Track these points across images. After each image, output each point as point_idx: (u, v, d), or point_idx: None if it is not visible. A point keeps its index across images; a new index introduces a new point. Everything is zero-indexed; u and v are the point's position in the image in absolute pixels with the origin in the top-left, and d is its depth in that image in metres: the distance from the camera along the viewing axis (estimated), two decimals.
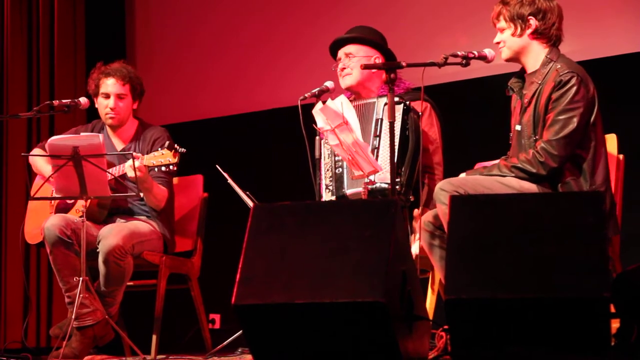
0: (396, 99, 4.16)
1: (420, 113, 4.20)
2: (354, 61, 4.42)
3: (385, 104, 4.11)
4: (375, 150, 4.14)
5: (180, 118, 6.51)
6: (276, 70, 6.30)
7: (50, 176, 4.44)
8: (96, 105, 4.90)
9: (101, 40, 6.74)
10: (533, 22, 3.91)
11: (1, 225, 6.35)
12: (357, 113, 4.22)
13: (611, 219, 3.82)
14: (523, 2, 3.92)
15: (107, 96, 4.82)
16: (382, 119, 4.17)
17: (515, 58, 3.97)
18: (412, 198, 4.14)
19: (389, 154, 3.96)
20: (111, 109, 4.81)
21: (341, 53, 4.47)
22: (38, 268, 6.33)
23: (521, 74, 4.02)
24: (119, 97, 4.82)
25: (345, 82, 4.44)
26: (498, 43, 3.98)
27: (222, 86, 6.54)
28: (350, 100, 4.26)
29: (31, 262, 6.31)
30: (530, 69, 3.94)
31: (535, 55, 3.93)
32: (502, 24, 3.96)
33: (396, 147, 4.05)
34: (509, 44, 3.95)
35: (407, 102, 4.16)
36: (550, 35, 3.92)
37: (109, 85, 4.81)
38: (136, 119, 4.94)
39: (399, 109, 4.15)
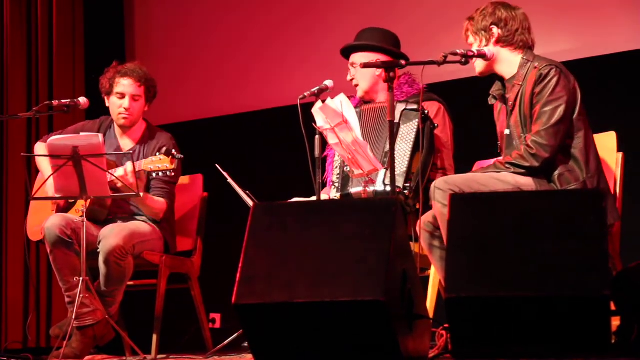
0: (415, 106, 4.20)
1: (436, 125, 4.24)
2: (358, 71, 4.46)
3: (404, 109, 4.18)
4: (388, 153, 4.14)
5: (179, 118, 6.51)
6: (278, 70, 6.29)
7: (49, 176, 4.44)
8: (107, 104, 4.87)
9: (100, 40, 6.74)
10: (495, 30, 3.98)
11: (1, 226, 6.35)
12: (374, 115, 4.28)
13: (608, 206, 3.82)
14: (485, 15, 4.02)
15: (122, 96, 4.80)
16: (398, 124, 4.20)
17: (489, 70, 4.04)
18: (417, 205, 4.14)
19: (403, 159, 4.07)
20: (125, 109, 4.79)
21: (350, 61, 4.52)
22: (38, 268, 6.33)
23: (501, 82, 4.05)
24: (134, 98, 4.80)
25: (358, 93, 4.52)
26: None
27: (222, 86, 6.53)
28: (367, 103, 4.32)
29: (31, 261, 6.30)
30: (507, 75, 4.00)
31: (508, 61, 3.99)
32: (470, 39, 4.06)
33: (410, 149, 4.14)
34: (490, 53, 3.99)
35: (427, 112, 4.19)
36: (515, 41, 3.98)
37: (126, 85, 4.79)
38: (144, 121, 4.93)
39: (417, 117, 4.17)
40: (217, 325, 6.06)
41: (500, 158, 3.98)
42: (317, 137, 4.25)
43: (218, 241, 5.51)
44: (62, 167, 4.28)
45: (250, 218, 3.25)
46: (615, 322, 3.09)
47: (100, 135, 4.37)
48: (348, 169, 4.27)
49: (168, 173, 4.45)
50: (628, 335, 3.07)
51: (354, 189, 4.25)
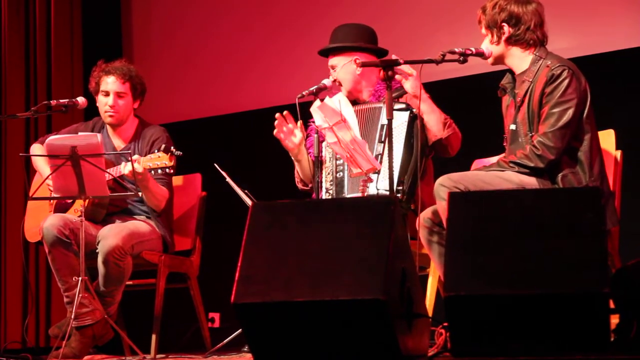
0: (403, 105, 4.17)
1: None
2: (339, 73, 4.41)
3: (392, 110, 4.12)
4: (380, 156, 4.12)
5: (177, 117, 6.50)
6: (276, 69, 6.29)
7: (48, 176, 4.44)
8: (97, 104, 4.89)
9: (98, 39, 6.73)
10: (506, 29, 3.93)
11: (0, 226, 6.35)
12: (363, 117, 4.24)
13: (608, 211, 3.82)
14: (497, 8, 3.94)
15: (107, 94, 4.81)
16: (390, 125, 4.16)
17: (499, 63, 4.01)
18: (412, 206, 4.13)
19: (394, 163, 4.00)
20: (110, 106, 4.80)
21: (329, 64, 4.47)
22: (37, 268, 6.32)
23: (512, 75, 4.03)
24: (119, 95, 4.81)
25: (342, 93, 4.44)
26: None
27: (220, 85, 6.53)
28: (357, 104, 4.27)
29: (30, 261, 6.30)
30: (518, 70, 3.97)
31: (519, 58, 3.95)
32: (483, 30, 4.01)
33: (401, 151, 4.08)
34: (488, 51, 3.97)
35: (414, 110, 4.15)
36: (526, 40, 3.93)
37: (109, 83, 4.81)
38: (136, 118, 4.93)
39: (405, 116, 4.14)
40: (216, 324, 6.06)
41: (503, 156, 3.97)
42: (316, 135, 4.25)
43: (217, 240, 5.50)
44: (61, 167, 4.28)
45: (249, 217, 3.25)
46: (614, 320, 3.09)
47: (99, 135, 4.38)
48: (341, 175, 4.25)
49: (167, 170, 4.47)
50: (627, 333, 3.07)
51: (350, 195, 4.22)
